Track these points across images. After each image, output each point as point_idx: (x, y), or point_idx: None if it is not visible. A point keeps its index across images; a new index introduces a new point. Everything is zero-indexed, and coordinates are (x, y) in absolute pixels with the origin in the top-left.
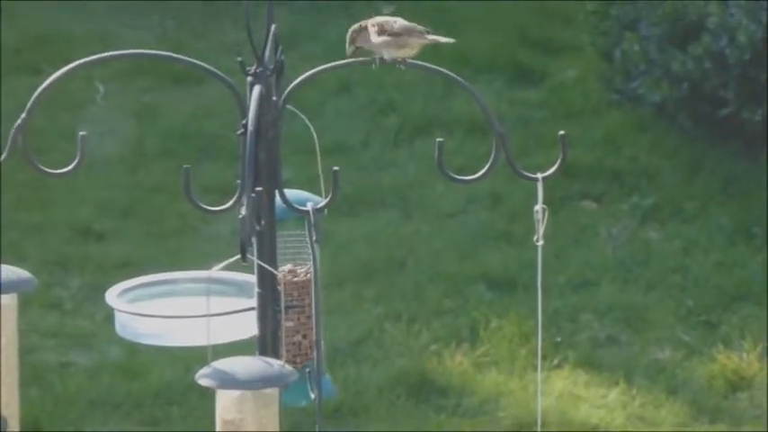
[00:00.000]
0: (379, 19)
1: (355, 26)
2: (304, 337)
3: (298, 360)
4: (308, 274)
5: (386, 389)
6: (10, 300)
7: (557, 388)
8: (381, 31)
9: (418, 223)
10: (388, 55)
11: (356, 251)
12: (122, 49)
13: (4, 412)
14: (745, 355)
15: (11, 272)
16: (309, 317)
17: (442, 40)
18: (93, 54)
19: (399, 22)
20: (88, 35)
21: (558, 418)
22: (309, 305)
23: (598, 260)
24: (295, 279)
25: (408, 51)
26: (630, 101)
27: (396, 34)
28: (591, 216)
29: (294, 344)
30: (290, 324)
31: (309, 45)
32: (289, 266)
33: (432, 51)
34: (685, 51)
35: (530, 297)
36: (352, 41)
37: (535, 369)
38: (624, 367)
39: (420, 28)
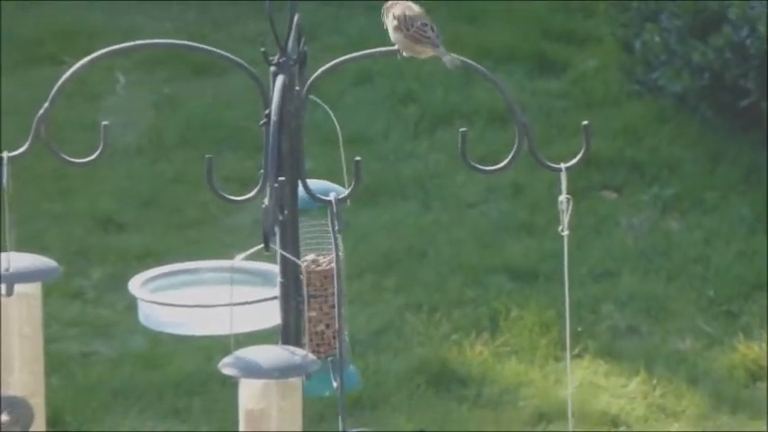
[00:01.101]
0: (398, 11)
1: (387, 4)
2: (327, 326)
3: (321, 350)
4: (330, 263)
5: (406, 379)
6: (35, 288)
7: (577, 378)
8: (398, 28)
9: (438, 214)
10: (404, 52)
11: (376, 242)
12: (143, 40)
13: (32, 401)
14: (765, 344)
15: (36, 260)
16: (332, 306)
17: (448, 58)
18: (114, 45)
19: (417, 24)
20: (109, 27)
21: (578, 407)
22: (332, 294)
23: (619, 250)
24: (318, 268)
25: (420, 55)
26: (651, 91)
27: (410, 37)
28: (611, 206)
29: (317, 333)
30: (312, 314)
31: (330, 37)
32: (312, 256)
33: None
34: (706, 42)
35: (550, 287)
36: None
37: (555, 359)
38: (645, 357)
39: (432, 35)
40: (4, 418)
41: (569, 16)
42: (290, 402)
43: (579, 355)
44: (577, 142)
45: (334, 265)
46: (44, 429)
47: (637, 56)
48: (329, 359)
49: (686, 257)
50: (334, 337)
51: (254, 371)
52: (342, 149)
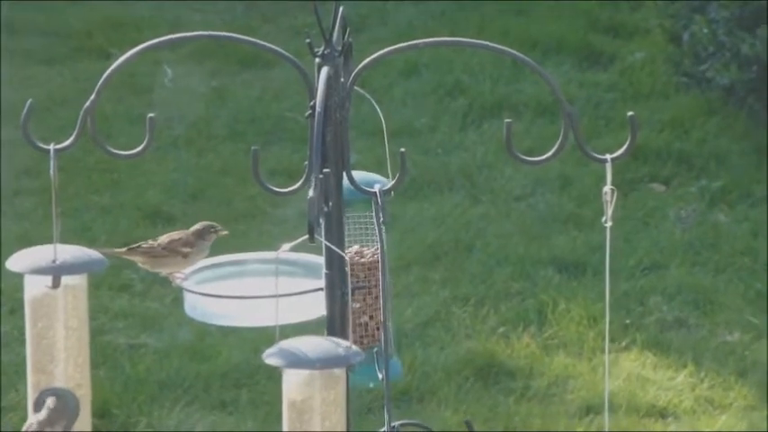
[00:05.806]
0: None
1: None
2: (371, 318)
3: (365, 341)
4: (374, 255)
5: (453, 372)
6: (81, 280)
7: (625, 370)
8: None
9: (486, 206)
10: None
11: (423, 234)
12: (191, 32)
13: (77, 393)
14: None
15: (81, 252)
16: (376, 298)
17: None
18: (161, 38)
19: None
20: (157, 19)
21: (625, 400)
22: (376, 286)
23: (667, 243)
24: (362, 260)
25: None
26: (699, 84)
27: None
28: (659, 199)
29: (361, 325)
30: (356, 305)
31: (377, 29)
32: (356, 248)
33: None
34: (754, 34)
35: (598, 280)
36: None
37: (603, 352)
38: (693, 350)
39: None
40: (47, 410)
41: (617, 8)
42: (333, 393)
43: (627, 348)
44: (625, 134)
45: (378, 257)
46: (90, 421)
47: (684, 48)
48: (374, 350)
49: (734, 250)
50: (377, 329)
51: (297, 361)
52: (386, 142)
